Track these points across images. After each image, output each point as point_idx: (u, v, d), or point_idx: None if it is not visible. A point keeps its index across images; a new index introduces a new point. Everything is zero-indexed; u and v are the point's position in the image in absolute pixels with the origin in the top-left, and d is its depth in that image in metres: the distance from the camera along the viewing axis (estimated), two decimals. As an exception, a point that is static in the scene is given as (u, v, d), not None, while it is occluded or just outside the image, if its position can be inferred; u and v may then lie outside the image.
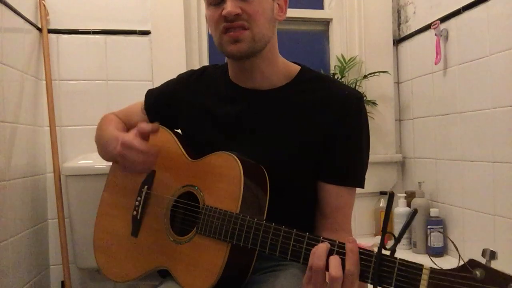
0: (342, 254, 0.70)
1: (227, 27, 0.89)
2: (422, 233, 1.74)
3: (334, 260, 0.69)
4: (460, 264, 0.61)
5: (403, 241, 1.85)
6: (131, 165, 0.92)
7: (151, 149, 0.92)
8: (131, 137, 0.92)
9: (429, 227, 1.71)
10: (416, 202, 1.79)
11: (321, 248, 0.71)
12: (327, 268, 0.70)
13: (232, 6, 0.88)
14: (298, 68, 1.00)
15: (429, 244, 1.71)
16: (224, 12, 0.88)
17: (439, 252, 1.69)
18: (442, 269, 0.62)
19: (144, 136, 0.93)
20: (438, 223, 1.70)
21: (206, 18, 0.97)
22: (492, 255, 0.60)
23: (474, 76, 1.56)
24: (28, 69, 1.63)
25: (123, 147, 0.91)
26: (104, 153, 1.08)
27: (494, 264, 0.60)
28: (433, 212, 1.72)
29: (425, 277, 0.62)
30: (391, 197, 0.68)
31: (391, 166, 2.03)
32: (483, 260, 0.61)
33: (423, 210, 1.75)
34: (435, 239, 1.69)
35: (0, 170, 1.35)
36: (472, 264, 0.60)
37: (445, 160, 1.75)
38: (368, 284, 0.70)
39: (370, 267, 0.67)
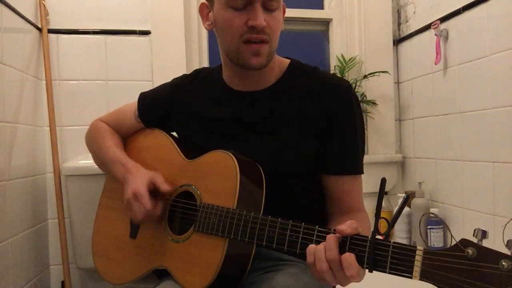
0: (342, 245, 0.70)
1: (251, 39, 0.88)
2: (422, 233, 1.74)
3: (350, 257, 0.68)
4: (452, 244, 0.63)
5: (403, 241, 1.85)
6: (133, 212, 0.95)
7: (156, 210, 0.94)
8: (144, 190, 0.93)
9: (429, 227, 1.71)
10: (416, 202, 1.79)
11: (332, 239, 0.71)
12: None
13: (262, 18, 0.86)
14: (287, 62, 1.01)
15: (429, 244, 1.71)
16: (253, 23, 0.86)
17: (439, 252, 1.69)
18: (435, 250, 0.64)
19: (155, 187, 0.95)
20: (438, 223, 1.71)
21: (216, 18, 0.92)
22: (484, 234, 0.62)
23: (474, 76, 1.56)
24: (28, 69, 1.63)
25: (133, 196, 0.93)
26: (105, 171, 1.12)
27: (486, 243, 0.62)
28: (433, 212, 1.72)
29: (418, 258, 0.64)
30: (383, 183, 0.71)
31: (391, 166, 2.03)
32: (475, 240, 0.62)
33: (423, 210, 1.75)
34: (435, 239, 1.69)
35: (0, 170, 1.35)
36: (464, 243, 0.61)
37: (445, 160, 1.75)
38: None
39: (364, 252, 0.69)
